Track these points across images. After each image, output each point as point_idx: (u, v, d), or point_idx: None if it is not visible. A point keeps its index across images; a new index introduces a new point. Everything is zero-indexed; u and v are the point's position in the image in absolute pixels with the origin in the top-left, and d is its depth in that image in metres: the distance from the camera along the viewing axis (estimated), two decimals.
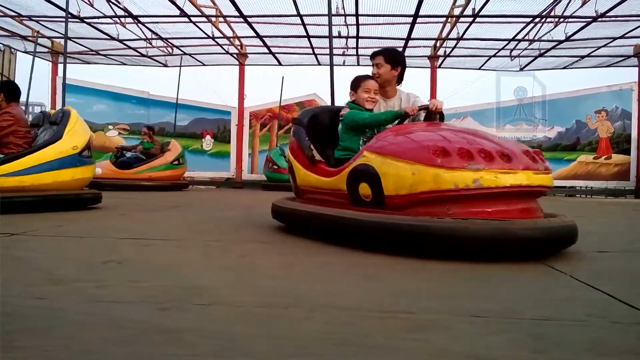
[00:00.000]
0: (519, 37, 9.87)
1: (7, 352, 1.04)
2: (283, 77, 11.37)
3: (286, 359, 1.06)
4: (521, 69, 11.93)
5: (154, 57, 11.95)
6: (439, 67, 11.61)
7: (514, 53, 10.95)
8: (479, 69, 12.10)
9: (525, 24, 9.26)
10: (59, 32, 10.47)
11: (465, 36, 9.77)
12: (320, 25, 9.50)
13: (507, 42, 10.18)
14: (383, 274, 2.00)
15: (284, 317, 1.36)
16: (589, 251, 2.62)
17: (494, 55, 11.16)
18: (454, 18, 8.82)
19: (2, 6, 8.99)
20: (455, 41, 10.17)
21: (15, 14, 9.38)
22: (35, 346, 1.09)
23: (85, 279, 1.78)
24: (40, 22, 9.88)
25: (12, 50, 13.60)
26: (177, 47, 11.23)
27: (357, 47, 10.86)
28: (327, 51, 11.20)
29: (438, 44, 10.77)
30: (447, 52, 11.06)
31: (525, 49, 10.59)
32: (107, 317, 1.32)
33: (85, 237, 2.87)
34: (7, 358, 1.01)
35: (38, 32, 10.16)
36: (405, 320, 1.33)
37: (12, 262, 2.07)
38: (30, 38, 10.63)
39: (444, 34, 9.92)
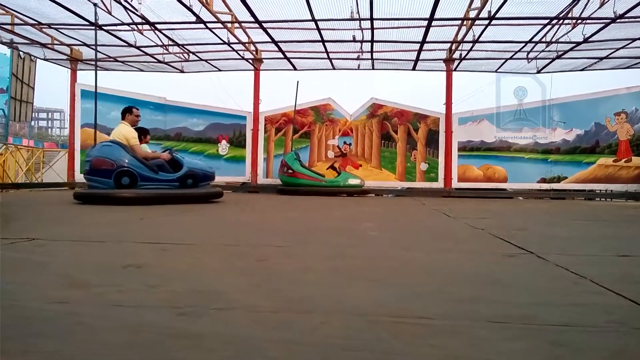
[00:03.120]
0: (536, 39, 9.77)
1: (27, 355, 1.06)
2: (298, 82, 11.41)
3: None
4: (538, 71, 11.82)
5: (171, 63, 12.10)
6: (455, 70, 11.56)
7: (531, 55, 10.84)
8: (496, 71, 12.00)
9: (542, 26, 9.17)
10: (77, 40, 10.66)
11: (481, 39, 9.71)
12: (334, 29, 9.52)
13: (524, 44, 10.09)
14: (398, 278, 2.00)
15: (301, 322, 1.36)
16: (610, 255, 2.59)
17: (511, 58, 11.07)
18: (470, 21, 8.77)
19: (23, 14, 9.18)
20: (471, 44, 10.11)
21: (35, 22, 9.57)
22: (54, 350, 1.10)
23: (105, 283, 1.80)
24: (59, 29, 10.07)
25: (32, 57, 13.88)
26: (193, 53, 11.35)
27: (371, 51, 10.86)
28: (342, 55, 11.28)
29: (453, 47, 10.72)
30: (463, 55, 11.00)
31: (543, 51, 10.48)
32: (125, 322, 1.33)
33: (105, 242, 2.91)
34: None
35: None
36: (421, 326, 1.33)
37: (33, 267, 2.11)
38: (48, 45, 10.84)
39: (459, 37, 9.87)
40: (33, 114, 18.78)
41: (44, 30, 10.11)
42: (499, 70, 11.98)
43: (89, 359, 1.06)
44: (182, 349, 1.13)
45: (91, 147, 7.28)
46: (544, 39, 9.74)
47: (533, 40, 9.83)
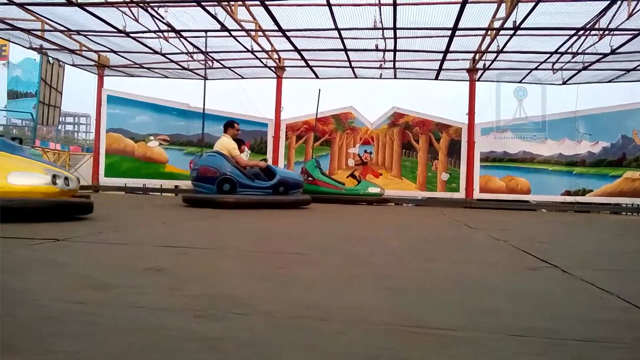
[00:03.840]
0: (562, 49, 9.64)
1: (47, 354, 1.07)
2: (320, 90, 11.45)
3: None
4: (564, 83, 11.65)
5: (195, 70, 12.27)
6: (478, 80, 11.46)
7: (557, 66, 10.70)
8: (520, 82, 11.87)
9: (568, 37, 9.04)
10: (105, 46, 10.90)
11: (505, 49, 9.62)
12: (357, 38, 9.54)
13: (549, 55, 9.97)
14: (418, 288, 1.97)
15: (319, 330, 1.35)
16: (637, 270, 2.52)
17: (536, 69, 10.94)
18: (494, 31, 8.70)
19: (53, 21, 9.43)
20: (495, 54, 10.02)
21: (65, 29, 9.82)
22: (74, 350, 1.11)
23: (125, 285, 1.82)
24: (87, 36, 10.31)
25: (61, 63, 14.22)
26: (217, 60, 11.49)
27: (394, 60, 10.85)
28: (364, 64, 11.30)
29: (477, 57, 10.64)
30: (487, 65, 10.91)
31: (569, 62, 10.33)
32: (144, 324, 1.34)
33: (126, 244, 2.94)
34: None
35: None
36: (439, 337, 1.31)
37: (55, 268, 2.14)
38: (77, 52, 11.10)
39: (483, 47, 9.79)
40: (60, 118, 19.19)
41: (72, 36, 10.37)
42: (523, 81, 11.84)
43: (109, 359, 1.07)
44: (199, 352, 1.13)
45: (198, 156, 8.47)
46: (570, 50, 9.60)
47: (559, 51, 9.70)
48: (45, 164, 4.59)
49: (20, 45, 10.84)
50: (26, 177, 4.01)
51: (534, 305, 1.77)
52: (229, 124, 7.87)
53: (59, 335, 1.21)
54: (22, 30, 9.75)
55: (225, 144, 7.52)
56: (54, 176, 4.16)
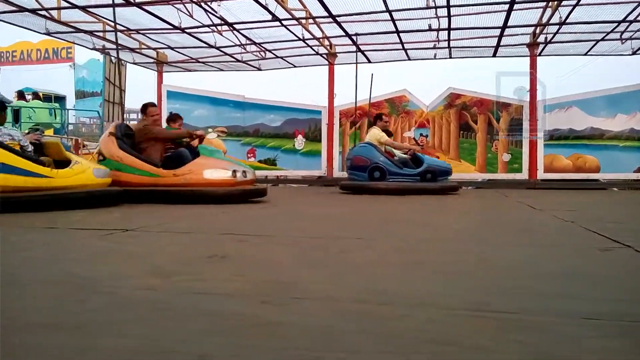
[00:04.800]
0: (631, 17, 8.99)
1: (121, 338, 1.14)
2: (372, 74, 11.31)
3: (384, 356, 1.05)
4: (634, 53, 10.88)
5: (249, 62, 12.46)
6: (539, 55, 10.92)
7: (625, 35, 10.00)
8: (585, 54, 11.21)
9: (637, 3, 8.42)
10: (162, 43, 11.26)
11: (568, 20, 9.09)
12: (409, 19, 9.33)
13: (617, 24, 9.33)
14: (480, 272, 1.93)
15: (380, 314, 1.35)
16: None
17: (602, 39, 10.28)
18: (556, 2, 8.24)
19: (113, 21, 9.83)
20: (558, 26, 9.50)
21: (125, 28, 10.22)
22: (144, 334, 1.17)
23: (189, 272, 1.90)
24: (146, 34, 10.69)
25: (123, 62, 14.83)
26: (269, 50, 11.60)
27: (448, 40, 10.53)
28: (418, 45, 11.04)
29: (538, 31, 10.13)
30: (548, 39, 10.37)
31: (638, 30, 9.63)
32: (208, 309, 1.39)
33: (190, 233, 3.06)
34: (122, 345, 1.10)
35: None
36: (505, 321, 1.27)
37: (124, 256, 2.26)
38: (136, 50, 11.55)
39: (544, 20, 9.31)
40: (124, 114, 20.10)
41: (132, 35, 10.78)
42: (589, 53, 11.17)
43: (177, 343, 1.12)
44: (261, 337, 1.16)
45: (351, 148, 9.47)
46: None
47: (627, 19, 9.05)
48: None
49: (85, 46, 11.41)
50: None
51: (604, 287, 1.68)
52: (378, 117, 8.57)
53: (131, 320, 1.28)
54: (85, 32, 10.24)
55: (375, 135, 8.11)
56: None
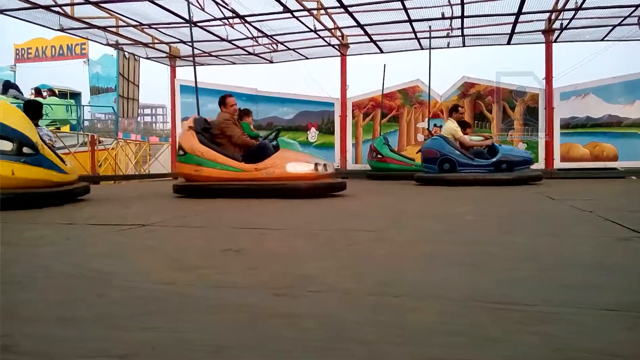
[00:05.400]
0: None
1: (145, 332, 1.15)
2: (385, 65, 11.24)
3: (398, 347, 1.05)
4: None
5: (261, 55, 12.45)
6: (555, 41, 10.75)
7: None
8: (602, 40, 11.00)
9: None
10: (175, 38, 11.30)
11: (584, 5, 8.92)
12: (422, 7, 9.24)
13: (634, 8, 9.13)
14: (497, 263, 1.91)
15: (394, 306, 1.35)
16: None
17: (620, 24, 10.07)
18: None
19: (126, 17, 9.90)
20: (574, 12, 9.33)
21: (137, 23, 10.28)
22: (168, 327, 1.19)
23: (207, 265, 1.91)
24: (158, 29, 10.73)
25: (136, 57, 14.92)
26: (281, 43, 11.58)
27: (462, 28, 10.41)
28: (431, 34, 10.94)
29: (553, 17, 9.96)
30: (564, 25, 10.19)
31: None
32: (227, 302, 1.40)
33: (206, 227, 3.08)
34: (144, 337, 1.11)
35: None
36: (522, 312, 1.26)
37: (143, 251, 2.29)
38: (149, 45, 11.60)
39: (559, 5, 9.15)
40: (139, 110, 20.24)
41: (145, 30, 10.83)
42: (606, 39, 10.96)
43: (199, 334, 1.13)
44: (278, 328, 1.16)
45: (425, 141, 9.51)
46: None
47: None
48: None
49: (98, 42, 11.50)
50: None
51: (624, 278, 1.66)
52: (453, 108, 8.61)
53: (154, 313, 1.30)
54: (98, 27, 10.33)
55: (449, 128, 8.22)
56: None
